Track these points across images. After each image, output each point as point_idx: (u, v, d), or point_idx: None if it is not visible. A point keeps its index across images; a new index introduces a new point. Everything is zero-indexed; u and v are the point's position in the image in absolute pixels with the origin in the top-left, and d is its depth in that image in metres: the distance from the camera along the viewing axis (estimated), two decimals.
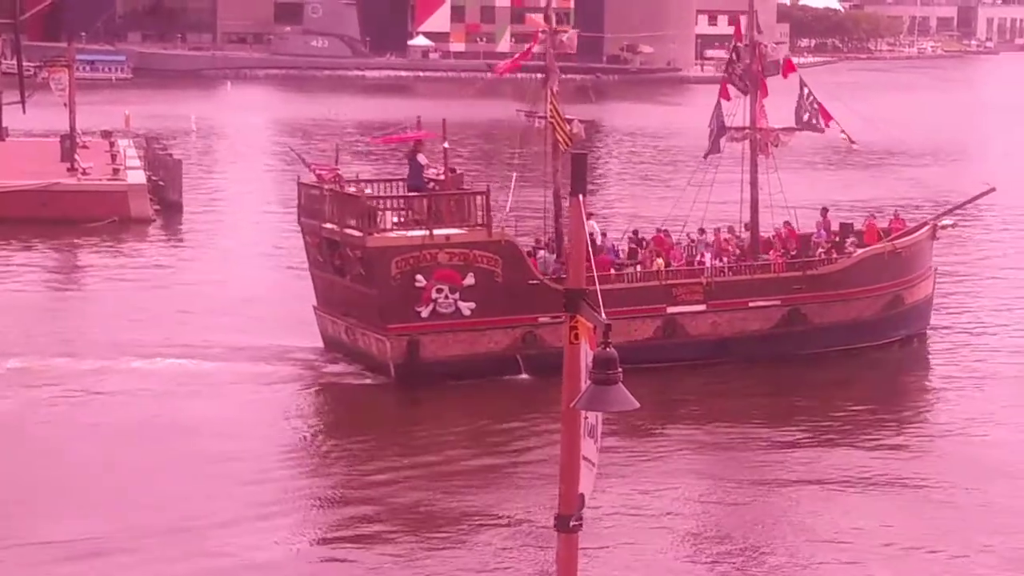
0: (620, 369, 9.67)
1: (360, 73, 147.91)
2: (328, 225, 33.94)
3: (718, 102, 39.27)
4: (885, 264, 38.46)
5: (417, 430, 31.43)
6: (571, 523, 10.36)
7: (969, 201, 43.98)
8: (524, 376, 33.17)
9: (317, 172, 34.69)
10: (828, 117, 39.35)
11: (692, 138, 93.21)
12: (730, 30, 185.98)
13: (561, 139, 34.15)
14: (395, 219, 33.57)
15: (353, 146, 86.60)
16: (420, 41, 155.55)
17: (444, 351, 32.88)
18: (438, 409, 32.40)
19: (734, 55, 40.19)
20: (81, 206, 54.38)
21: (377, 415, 32.25)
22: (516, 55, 37.85)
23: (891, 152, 75.37)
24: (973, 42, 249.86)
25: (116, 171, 59.26)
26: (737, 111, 38.85)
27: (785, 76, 39.80)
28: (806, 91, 39.40)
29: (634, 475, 27.98)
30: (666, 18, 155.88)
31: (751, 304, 36.18)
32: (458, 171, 35.02)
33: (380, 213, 32.62)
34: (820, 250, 39.04)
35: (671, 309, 35.13)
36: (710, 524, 25.97)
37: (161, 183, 60.00)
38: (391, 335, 32.75)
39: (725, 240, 38.52)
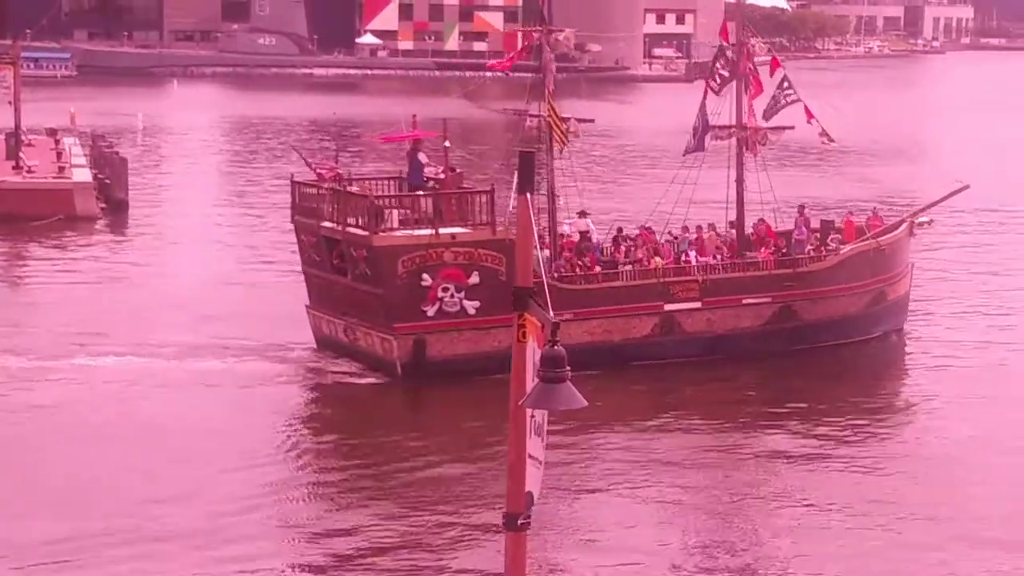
0: (568, 367, 9.60)
1: (308, 71, 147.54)
2: (327, 224, 33.70)
3: (703, 101, 39.43)
4: (870, 261, 38.91)
5: (421, 428, 31.46)
6: (519, 522, 10.30)
7: (944, 199, 44.22)
8: None
9: (318, 171, 34.44)
10: (810, 115, 39.59)
11: (644, 136, 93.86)
12: (678, 28, 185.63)
13: (558, 137, 34.11)
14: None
15: (310, 144, 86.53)
16: (368, 39, 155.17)
17: (450, 350, 32.78)
18: (443, 407, 32.29)
19: (718, 54, 40.51)
20: (27, 204, 54.17)
21: (383, 414, 32.19)
22: (512, 53, 37.65)
23: (844, 151, 75.65)
24: (920, 41, 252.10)
25: (62, 169, 59.05)
26: (723, 110, 38.97)
27: (772, 74, 39.97)
28: (786, 84, 39.63)
29: (626, 471, 28.31)
30: (614, 16, 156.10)
31: (744, 301, 36.39)
32: (457, 169, 34.80)
33: (387, 212, 32.36)
34: (808, 247, 39.26)
35: (668, 307, 35.18)
36: (695, 517, 26.21)
37: (107, 181, 59.80)
38: (398, 334, 32.56)
39: (708, 238, 38.57)
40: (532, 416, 10.18)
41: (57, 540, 24.00)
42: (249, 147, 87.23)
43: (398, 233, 32.37)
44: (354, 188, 33.83)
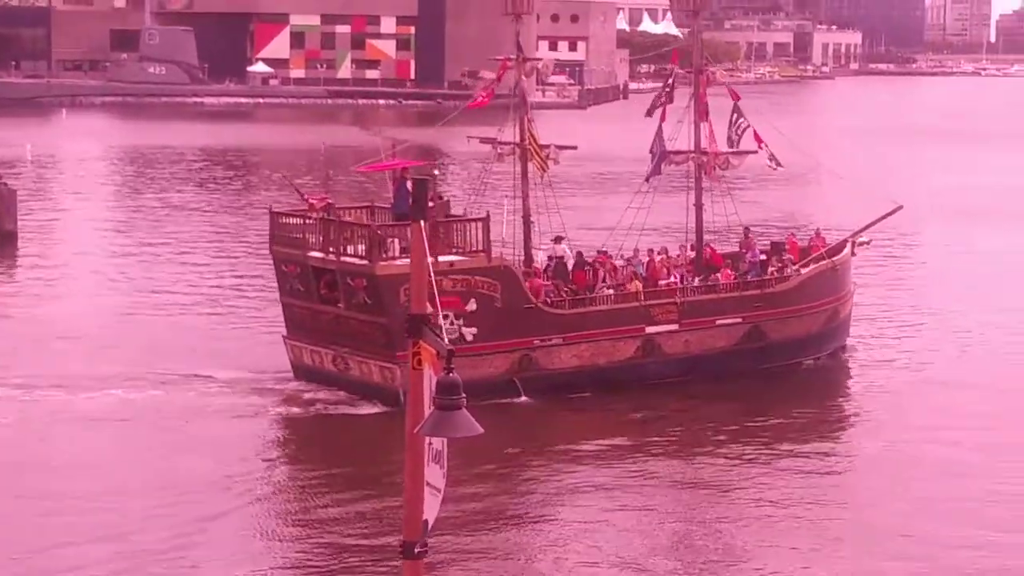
0: (464, 395, 9.73)
1: (199, 100, 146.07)
2: (315, 254, 33.40)
3: (659, 126, 39.90)
4: (827, 280, 39.72)
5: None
6: (416, 550, 10.35)
7: (880, 219, 45.16)
8: (524, 398, 33.67)
9: (309, 200, 34.25)
10: (759, 140, 40.20)
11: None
12: (571, 55, 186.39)
13: (538, 164, 34.32)
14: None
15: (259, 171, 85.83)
16: (259, 68, 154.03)
17: None
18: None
19: (674, 78, 41.16)
20: None
21: (384, 441, 31.84)
22: (489, 86, 37.60)
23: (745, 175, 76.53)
24: (809, 67, 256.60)
25: None
26: (679, 135, 39.43)
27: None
28: (735, 116, 40.26)
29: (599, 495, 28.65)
30: (506, 44, 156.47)
31: (718, 322, 36.89)
32: (444, 198, 34.83)
33: (389, 241, 32.24)
34: (771, 268, 39.87)
35: (650, 329, 35.54)
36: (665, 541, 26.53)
37: None
38: (401, 363, 32.31)
39: (660, 261, 38.91)
40: (430, 444, 10.17)
41: None
42: (140, 176, 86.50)
43: (399, 262, 32.23)
44: (349, 217, 33.66)
